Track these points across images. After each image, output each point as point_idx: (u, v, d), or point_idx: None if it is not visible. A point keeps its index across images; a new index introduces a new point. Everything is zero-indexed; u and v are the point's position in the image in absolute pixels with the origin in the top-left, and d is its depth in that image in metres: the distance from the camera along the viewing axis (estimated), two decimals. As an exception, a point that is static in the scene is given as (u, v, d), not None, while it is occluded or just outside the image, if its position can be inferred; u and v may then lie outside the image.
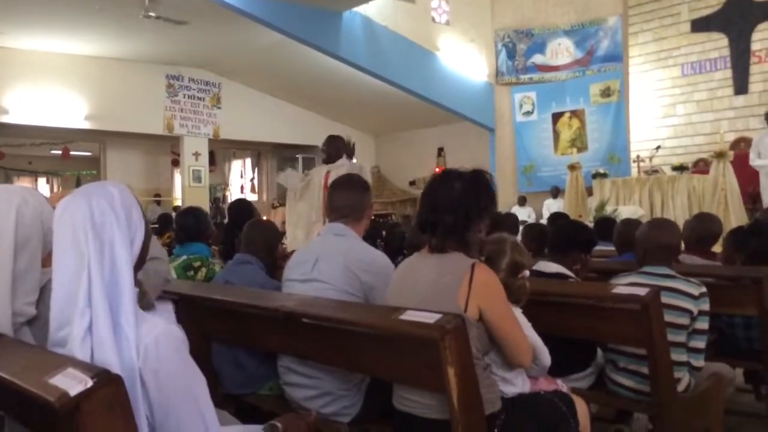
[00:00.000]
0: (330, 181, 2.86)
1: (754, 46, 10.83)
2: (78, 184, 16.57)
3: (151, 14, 8.34)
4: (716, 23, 11.21)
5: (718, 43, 11.21)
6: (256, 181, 17.39)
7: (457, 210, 2.04)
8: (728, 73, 11.10)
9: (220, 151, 17.24)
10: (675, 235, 2.82)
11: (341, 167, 5.18)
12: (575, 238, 3.03)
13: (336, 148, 5.49)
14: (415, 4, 12.00)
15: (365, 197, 2.65)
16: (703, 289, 2.62)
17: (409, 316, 1.84)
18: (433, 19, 12.44)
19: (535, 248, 3.72)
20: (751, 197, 8.86)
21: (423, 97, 11.82)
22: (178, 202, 14.55)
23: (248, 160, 17.81)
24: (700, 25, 11.40)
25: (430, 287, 2.02)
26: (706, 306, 2.63)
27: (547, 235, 3.58)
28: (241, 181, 18.18)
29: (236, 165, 18.39)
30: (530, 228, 4.46)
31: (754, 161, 8.41)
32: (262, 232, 3.26)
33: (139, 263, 1.45)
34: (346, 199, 2.61)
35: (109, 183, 1.45)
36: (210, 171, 14.48)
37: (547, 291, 2.58)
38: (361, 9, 10.43)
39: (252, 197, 16.16)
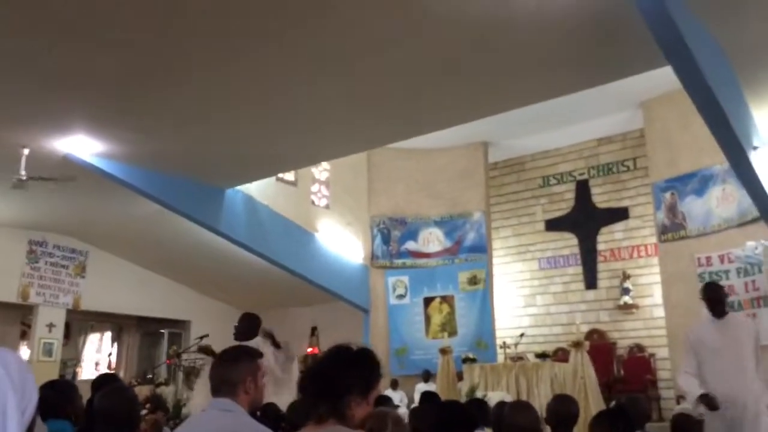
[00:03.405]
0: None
1: (600, 246, 12.08)
2: None
3: (24, 177, 7.97)
4: (566, 224, 12.51)
5: (569, 242, 12.42)
6: (114, 357, 16.15)
7: (326, 376, 2.05)
8: (579, 269, 12.20)
9: (77, 323, 16.03)
10: (532, 419, 3.03)
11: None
12: (460, 418, 3.05)
13: (249, 326, 5.76)
14: (296, 187, 12.54)
15: (250, 367, 2.55)
16: None
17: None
18: (313, 203, 12.98)
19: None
20: (606, 386, 9.29)
21: (301, 275, 11.93)
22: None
23: (108, 334, 16.63)
24: (552, 225, 12.66)
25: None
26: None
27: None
28: (98, 356, 16.79)
29: (94, 338, 17.08)
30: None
31: (687, 373, 4.95)
32: (123, 401, 2.90)
33: None
34: (229, 373, 2.50)
35: (4, 349, 1.34)
36: (63, 344, 13.34)
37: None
38: (244, 188, 10.73)
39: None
